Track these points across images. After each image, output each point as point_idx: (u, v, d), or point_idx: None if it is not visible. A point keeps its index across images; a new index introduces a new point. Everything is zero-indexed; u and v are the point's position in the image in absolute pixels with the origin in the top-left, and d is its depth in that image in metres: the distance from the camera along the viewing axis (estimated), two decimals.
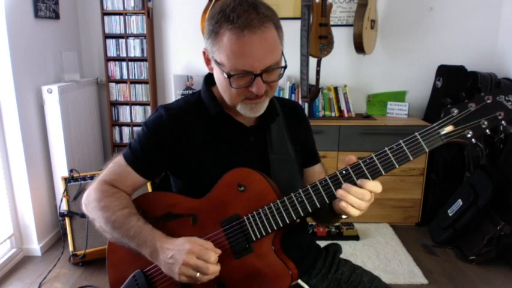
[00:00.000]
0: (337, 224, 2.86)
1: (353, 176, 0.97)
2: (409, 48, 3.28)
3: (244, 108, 1.06)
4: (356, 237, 2.85)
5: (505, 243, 2.47)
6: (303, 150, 1.26)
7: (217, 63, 1.02)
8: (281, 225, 1.02)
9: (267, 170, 1.13)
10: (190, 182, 1.15)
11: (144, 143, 1.13)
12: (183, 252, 0.98)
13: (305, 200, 1.01)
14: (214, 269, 0.99)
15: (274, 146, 1.17)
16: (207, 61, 1.09)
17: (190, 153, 1.12)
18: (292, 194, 1.02)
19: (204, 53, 1.08)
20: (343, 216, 1.08)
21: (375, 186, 0.95)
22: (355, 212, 0.97)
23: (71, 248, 2.49)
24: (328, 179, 0.99)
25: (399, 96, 3.32)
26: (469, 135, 0.92)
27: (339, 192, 0.96)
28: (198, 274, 0.97)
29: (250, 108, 1.06)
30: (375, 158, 0.96)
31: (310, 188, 1.01)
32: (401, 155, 0.94)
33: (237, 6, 0.96)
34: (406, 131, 2.94)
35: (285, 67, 1.05)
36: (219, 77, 1.05)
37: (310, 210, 1.01)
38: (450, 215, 2.74)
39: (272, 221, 1.03)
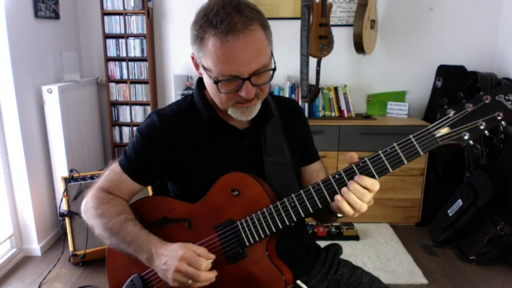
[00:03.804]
0: (337, 224, 2.86)
1: (346, 180, 0.95)
2: (409, 48, 3.27)
3: (235, 112, 1.05)
4: (356, 237, 2.85)
5: (505, 243, 2.47)
6: (300, 148, 1.24)
7: (205, 69, 1.00)
8: (274, 230, 1.01)
9: (262, 173, 1.11)
10: (186, 186, 1.15)
11: (138, 149, 1.13)
12: (175, 259, 0.98)
13: (298, 205, 1.00)
14: (205, 276, 0.98)
15: (269, 149, 1.15)
16: (196, 66, 1.08)
17: (184, 159, 1.12)
18: (285, 199, 1.01)
19: (192, 57, 1.07)
20: (339, 215, 1.06)
21: (372, 184, 0.93)
22: (349, 210, 0.94)
23: (71, 248, 2.49)
24: (320, 183, 0.98)
25: (399, 96, 3.32)
26: (466, 137, 0.88)
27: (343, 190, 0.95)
28: (190, 281, 0.98)
29: (241, 112, 1.04)
30: (368, 162, 0.94)
31: (303, 193, 0.99)
32: (395, 158, 0.92)
33: (220, 10, 0.94)
34: (406, 131, 2.90)
35: (274, 69, 1.02)
36: (208, 82, 1.04)
37: (303, 215, 1.00)
38: (450, 215, 2.74)
39: (265, 226, 1.02)
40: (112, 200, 1.12)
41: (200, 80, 1.17)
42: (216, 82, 0.98)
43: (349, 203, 0.94)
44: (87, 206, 1.14)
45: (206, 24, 0.95)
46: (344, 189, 0.94)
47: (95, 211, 1.11)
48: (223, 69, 0.96)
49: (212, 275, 0.99)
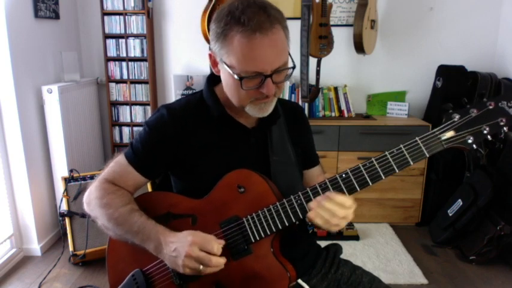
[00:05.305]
0: None
1: (353, 179, 0.97)
2: (409, 48, 3.28)
3: (253, 109, 1.06)
4: (356, 237, 2.85)
5: (505, 243, 2.47)
6: (303, 152, 1.26)
7: (227, 66, 1.01)
8: (280, 227, 1.02)
9: (267, 171, 1.13)
10: (191, 182, 1.15)
11: (146, 142, 1.13)
12: (186, 245, 0.98)
13: (304, 202, 1.01)
14: (217, 260, 0.99)
15: (275, 148, 1.16)
16: (214, 63, 1.08)
17: (191, 154, 1.12)
18: (291, 197, 1.02)
19: (210, 55, 1.08)
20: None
21: (344, 200, 0.97)
22: (326, 226, 0.98)
23: (71, 248, 2.49)
24: (328, 182, 0.99)
25: (399, 96, 3.32)
26: (470, 141, 0.92)
27: (309, 205, 0.98)
28: (201, 266, 0.98)
29: (259, 108, 1.06)
30: (375, 162, 0.96)
31: (309, 191, 1.01)
32: (401, 159, 0.94)
33: (246, 9, 0.96)
34: (406, 131, 2.95)
35: (294, 67, 1.05)
36: (227, 79, 1.05)
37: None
38: (450, 215, 2.74)
39: (271, 223, 1.03)
40: (117, 190, 1.12)
41: (209, 78, 1.17)
42: (241, 78, 0.99)
43: (322, 218, 0.97)
44: (90, 197, 1.14)
45: (232, 21, 0.96)
46: (314, 205, 0.98)
47: (100, 201, 1.10)
48: (248, 66, 0.97)
49: (223, 261, 1.00)
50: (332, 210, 0.96)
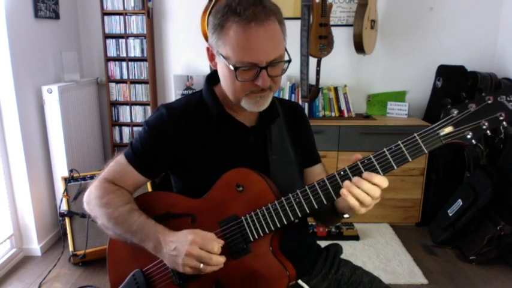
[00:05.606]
0: (337, 223, 2.86)
1: (351, 176, 0.96)
2: (409, 48, 3.28)
3: (248, 102, 1.06)
4: (356, 237, 2.85)
5: (505, 243, 2.47)
6: (303, 150, 1.25)
7: (223, 57, 1.02)
8: (278, 225, 1.02)
9: (267, 170, 1.13)
10: (191, 181, 1.15)
11: (145, 141, 1.13)
12: (186, 243, 0.98)
13: (303, 200, 1.00)
14: (217, 259, 0.99)
15: (274, 147, 1.16)
16: (211, 57, 1.09)
17: (191, 153, 1.12)
18: (290, 195, 1.02)
19: (208, 49, 1.09)
20: (345, 216, 1.07)
21: (382, 180, 0.93)
22: (354, 203, 0.94)
23: (71, 248, 2.49)
24: (326, 180, 0.99)
25: (399, 96, 3.32)
26: (469, 136, 0.90)
27: (346, 184, 0.94)
28: (201, 265, 0.98)
29: (255, 102, 1.06)
30: (373, 159, 0.95)
31: (308, 189, 1.00)
32: (399, 156, 0.93)
33: (242, 0, 0.98)
34: (406, 131, 2.94)
35: (290, 61, 1.05)
36: (223, 71, 1.05)
37: (308, 211, 1.01)
38: (450, 215, 2.74)
39: (270, 222, 1.02)
40: (117, 190, 1.12)
41: (209, 77, 1.18)
42: (236, 69, 0.99)
43: (357, 199, 0.94)
44: (90, 196, 1.14)
45: (229, 12, 0.98)
46: (349, 184, 0.94)
47: (100, 201, 1.10)
48: (244, 56, 0.98)
49: (222, 259, 1.00)
50: (369, 191, 0.93)
